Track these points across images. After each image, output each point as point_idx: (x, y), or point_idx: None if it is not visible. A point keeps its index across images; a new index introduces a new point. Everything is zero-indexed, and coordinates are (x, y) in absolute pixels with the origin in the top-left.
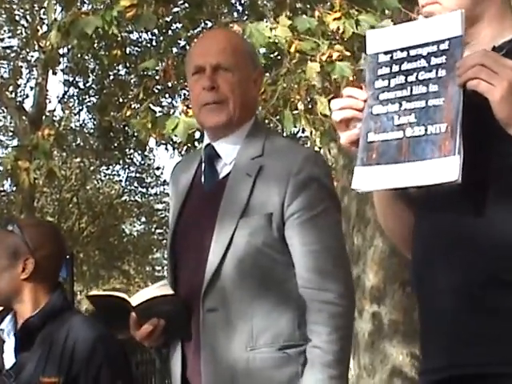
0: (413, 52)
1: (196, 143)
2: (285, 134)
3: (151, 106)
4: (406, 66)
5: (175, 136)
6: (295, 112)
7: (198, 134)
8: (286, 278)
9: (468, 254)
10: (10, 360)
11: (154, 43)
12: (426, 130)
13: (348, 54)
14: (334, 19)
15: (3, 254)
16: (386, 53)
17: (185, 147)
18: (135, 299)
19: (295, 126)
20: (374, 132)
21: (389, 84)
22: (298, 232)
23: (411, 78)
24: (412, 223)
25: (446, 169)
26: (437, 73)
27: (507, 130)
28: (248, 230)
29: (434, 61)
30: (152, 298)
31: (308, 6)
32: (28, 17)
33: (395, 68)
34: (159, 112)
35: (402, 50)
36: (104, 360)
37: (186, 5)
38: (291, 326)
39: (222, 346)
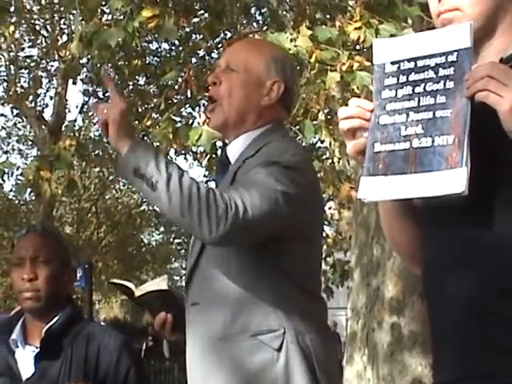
0: (420, 63)
1: (219, 153)
2: (304, 144)
3: (172, 116)
4: (413, 76)
5: (197, 147)
6: (315, 122)
7: (220, 143)
8: (259, 263)
9: (477, 265)
10: (27, 369)
11: (173, 53)
12: (433, 141)
13: (368, 63)
14: (355, 29)
15: (58, 258)
16: (393, 63)
17: (207, 157)
18: (138, 291)
19: (315, 136)
20: (381, 142)
21: (396, 94)
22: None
23: (419, 89)
24: (419, 236)
25: (453, 181)
26: (445, 84)
27: None
28: None
29: (442, 72)
30: (150, 292)
31: (328, 16)
32: (48, 27)
33: (402, 78)
34: (179, 122)
35: (409, 60)
36: (131, 365)
37: (206, 15)
38: (264, 312)
39: (200, 338)
